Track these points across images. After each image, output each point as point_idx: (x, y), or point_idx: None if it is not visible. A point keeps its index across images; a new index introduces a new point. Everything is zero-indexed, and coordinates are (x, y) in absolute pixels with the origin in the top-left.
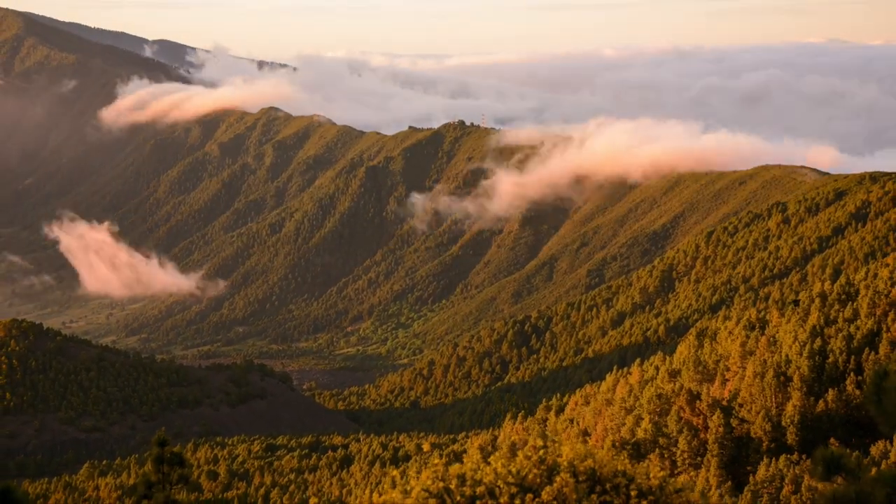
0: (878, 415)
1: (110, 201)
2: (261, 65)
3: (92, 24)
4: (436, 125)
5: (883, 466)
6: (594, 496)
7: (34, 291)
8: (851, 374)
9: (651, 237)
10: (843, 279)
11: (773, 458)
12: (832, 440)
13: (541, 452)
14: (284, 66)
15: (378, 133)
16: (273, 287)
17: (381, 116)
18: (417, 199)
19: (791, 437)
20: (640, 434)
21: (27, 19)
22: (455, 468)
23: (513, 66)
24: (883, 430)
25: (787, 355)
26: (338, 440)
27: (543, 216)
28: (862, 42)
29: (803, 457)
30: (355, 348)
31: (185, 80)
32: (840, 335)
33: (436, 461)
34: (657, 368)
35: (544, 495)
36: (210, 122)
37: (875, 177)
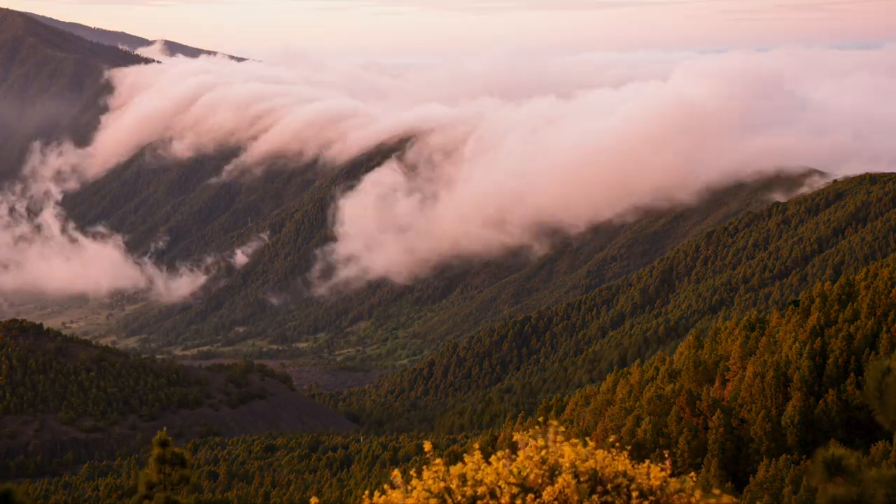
0: (879, 411)
1: (110, 201)
2: (260, 64)
3: (92, 25)
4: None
5: (883, 467)
6: (595, 496)
7: (34, 290)
8: (851, 374)
9: (651, 237)
10: (843, 279)
11: (773, 459)
12: (832, 441)
13: (542, 453)
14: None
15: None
16: (273, 287)
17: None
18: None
19: (791, 438)
20: (640, 434)
21: (27, 19)
22: (456, 468)
23: None
24: (884, 426)
25: (787, 355)
26: (338, 440)
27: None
28: None
29: (803, 457)
30: (355, 348)
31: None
32: (840, 335)
33: (437, 461)
34: (657, 369)
35: (545, 496)
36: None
37: (875, 177)
